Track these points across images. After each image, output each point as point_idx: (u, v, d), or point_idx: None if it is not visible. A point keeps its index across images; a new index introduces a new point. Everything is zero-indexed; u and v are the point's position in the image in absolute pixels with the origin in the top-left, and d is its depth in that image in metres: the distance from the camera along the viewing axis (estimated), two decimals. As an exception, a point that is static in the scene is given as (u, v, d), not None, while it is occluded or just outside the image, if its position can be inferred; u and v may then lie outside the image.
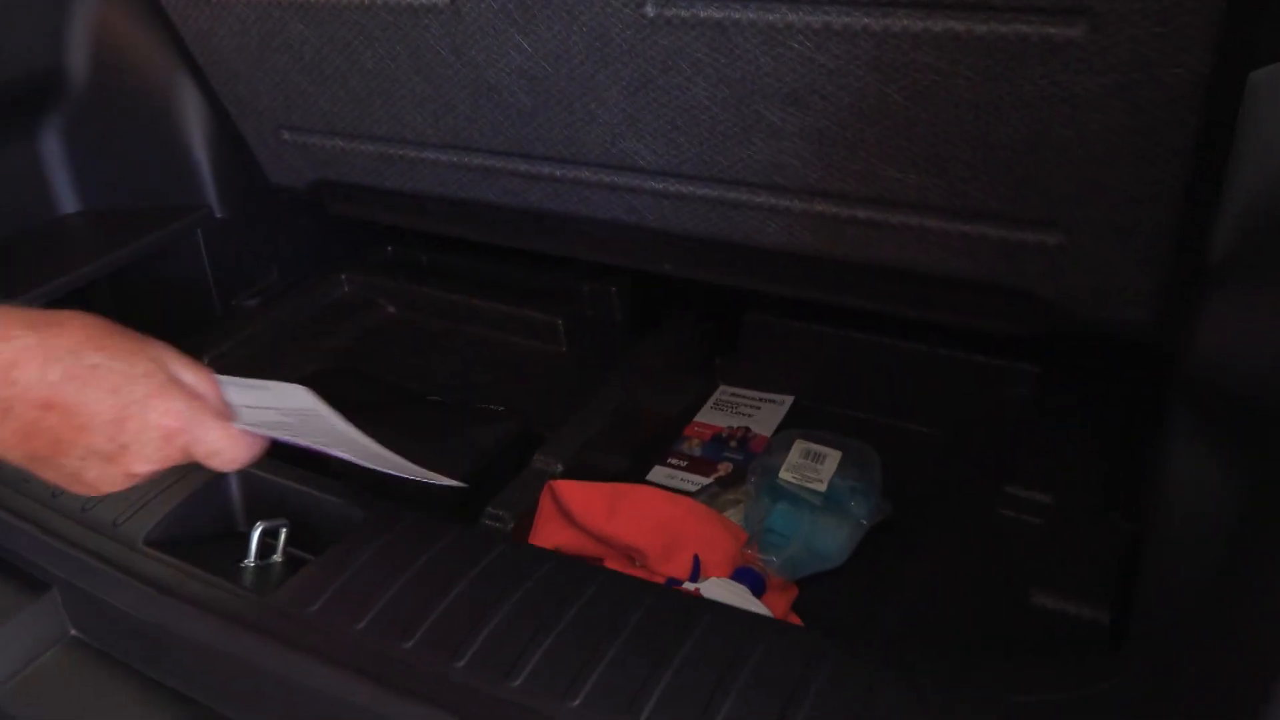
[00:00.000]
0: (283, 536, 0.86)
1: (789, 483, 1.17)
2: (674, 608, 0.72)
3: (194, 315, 1.57)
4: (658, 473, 1.33)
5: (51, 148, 1.50)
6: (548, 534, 1.12)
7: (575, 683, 0.66)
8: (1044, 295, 1.02)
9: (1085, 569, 0.94)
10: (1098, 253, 0.95)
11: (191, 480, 0.89)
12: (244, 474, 0.92)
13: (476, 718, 0.64)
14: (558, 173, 1.25)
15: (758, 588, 1.04)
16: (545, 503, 1.14)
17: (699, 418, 1.44)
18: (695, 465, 1.34)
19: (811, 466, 1.18)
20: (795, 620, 1.04)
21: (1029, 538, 1.03)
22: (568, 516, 1.11)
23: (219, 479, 0.90)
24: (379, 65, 1.22)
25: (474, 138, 1.27)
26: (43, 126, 1.49)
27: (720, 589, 1.02)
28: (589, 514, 1.10)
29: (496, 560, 0.78)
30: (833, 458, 1.19)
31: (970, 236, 1.01)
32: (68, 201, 1.54)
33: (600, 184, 1.22)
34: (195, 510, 0.88)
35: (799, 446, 1.21)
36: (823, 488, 1.16)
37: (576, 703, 0.64)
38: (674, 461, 1.35)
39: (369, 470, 1.15)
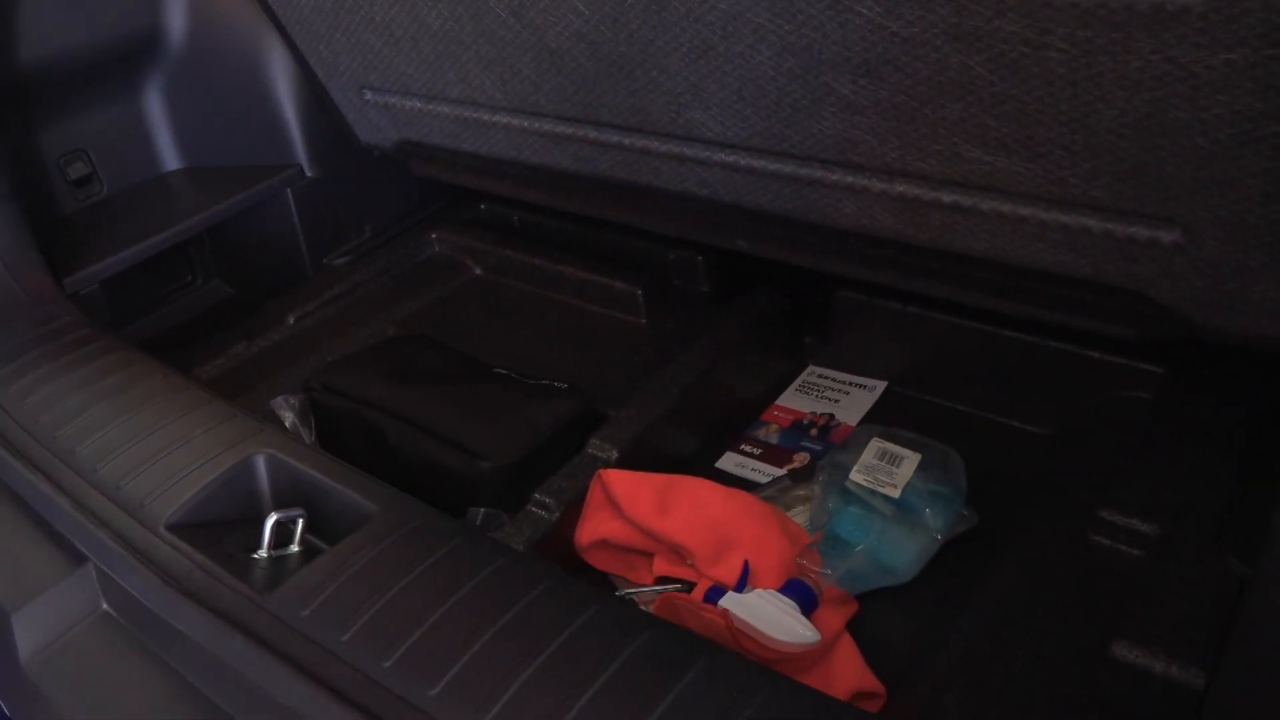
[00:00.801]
0: (299, 526, 0.85)
1: (859, 485, 1.07)
2: (667, 647, 0.66)
3: (286, 272, 1.59)
4: (728, 460, 1.26)
5: (154, 107, 1.54)
6: (595, 524, 1.08)
7: (546, 728, 0.61)
8: (1158, 299, 0.88)
9: (1182, 619, 0.82)
10: (1222, 254, 0.80)
11: (219, 463, 0.89)
12: (271, 459, 0.91)
13: (439, 758, 0.60)
14: (625, 141, 1.17)
15: (808, 603, 0.96)
16: (595, 492, 1.09)
17: (780, 400, 1.36)
18: (769, 454, 1.26)
19: (886, 469, 1.08)
20: (848, 640, 0.96)
21: (1124, 572, 0.90)
22: (617, 508, 1.06)
23: (246, 463, 0.89)
24: (444, 27, 1.17)
25: (541, 103, 1.20)
26: (145, 86, 1.52)
27: (765, 602, 0.95)
28: (637, 507, 1.05)
29: (495, 574, 0.73)
30: (910, 461, 1.08)
31: (1071, 229, 0.88)
32: (170, 159, 1.58)
33: (669, 155, 1.14)
34: (223, 493, 0.88)
35: (874, 446, 1.11)
36: (896, 494, 1.06)
37: (543, 751, 0.60)
38: (746, 448, 1.28)
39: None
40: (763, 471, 1.23)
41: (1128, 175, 0.80)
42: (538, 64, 1.14)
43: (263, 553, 0.83)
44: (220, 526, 0.86)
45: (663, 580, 1.06)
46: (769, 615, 0.93)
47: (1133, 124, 0.76)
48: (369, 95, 1.44)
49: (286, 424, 1.29)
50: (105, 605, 0.87)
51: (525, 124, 1.27)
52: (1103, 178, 0.82)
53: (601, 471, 1.08)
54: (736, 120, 1.03)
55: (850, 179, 1.00)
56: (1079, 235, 0.88)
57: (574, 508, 1.08)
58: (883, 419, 1.29)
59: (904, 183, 0.97)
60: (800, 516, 1.13)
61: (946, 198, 0.94)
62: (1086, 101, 0.77)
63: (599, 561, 1.09)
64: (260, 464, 0.90)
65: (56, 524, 0.87)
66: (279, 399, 1.31)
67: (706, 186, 1.15)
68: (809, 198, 1.06)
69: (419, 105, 1.39)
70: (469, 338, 1.45)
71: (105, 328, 1.23)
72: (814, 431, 1.29)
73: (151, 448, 0.92)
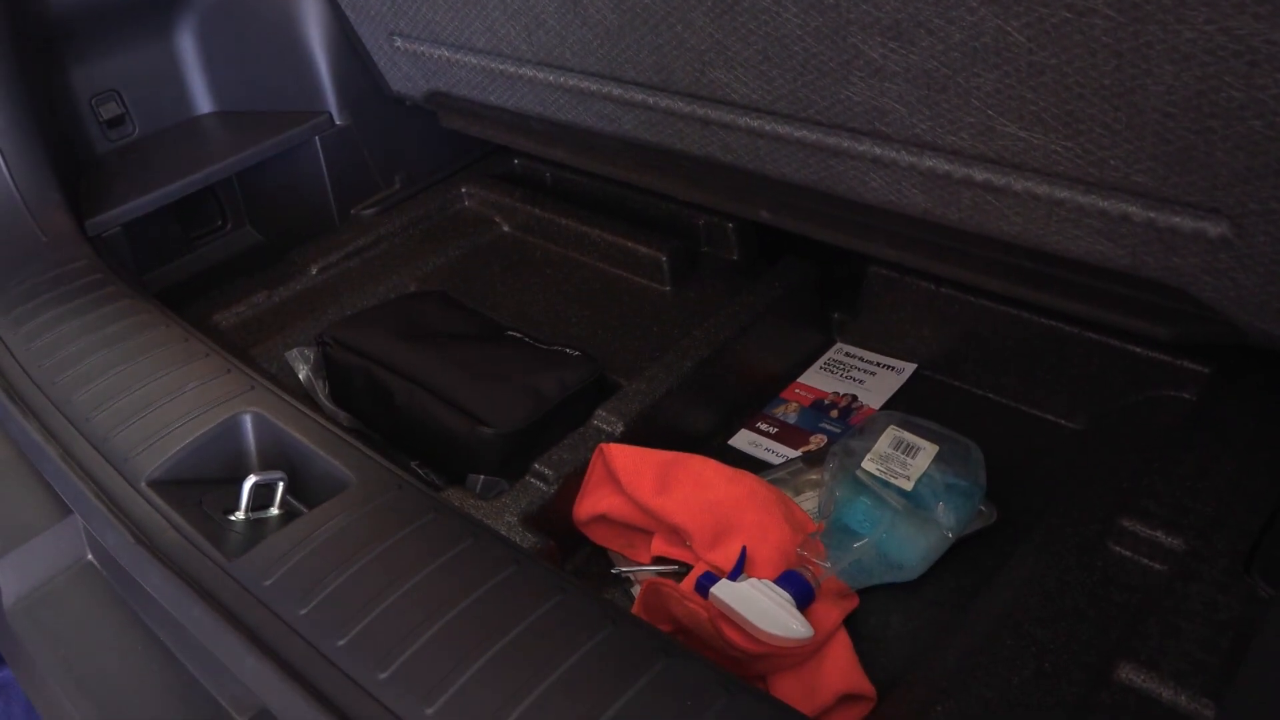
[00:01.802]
0: (280, 489, 0.83)
1: (870, 475, 1.02)
2: (627, 647, 0.63)
3: (315, 221, 1.58)
4: (741, 438, 1.22)
5: (187, 48, 1.52)
6: (595, 499, 1.05)
7: (490, 723, 0.58)
8: (1201, 297, 0.80)
9: (1197, 644, 0.76)
10: (1274, 251, 0.72)
11: (206, 420, 0.87)
12: (258, 418, 0.89)
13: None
14: (650, 100, 1.12)
15: (804, 597, 0.92)
16: (596, 466, 1.06)
17: (803, 378, 1.30)
18: (785, 434, 1.22)
19: (900, 460, 1.03)
20: (843, 638, 0.92)
21: (1142, 587, 0.84)
22: (617, 483, 1.03)
23: (232, 421, 0.88)
24: (466, -27, 1.12)
25: (566, 57, 1.16)
26: (178, 26, 1.50)
27: (758, 593, 0.91)
28: (637, 485, 1.02)
29: (461, 555, 0.71)
30: (927, 453, 1.03)
31: (1110, 215, 0.81)
32: (203, 102, 1.56)
33: (693, 116, 1.08)
34: (208, 451, 0.87)
35: (891, 434, 1.05)
36: (909, 486, 1.01)
37: (485, 748, 0.57)
38: (763, 426, 1.23)
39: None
40: (776, 452, 1.19)
41: (1173, 159, 0.73)
42: (562, 14, 1.09)
43: (240, 514, 0.81)
44: (203, 485, 0.84)
45: (660, 560, 1.03)
46: (761, 606, 0.89)
47: (1181, 102, 0.69)
48: (399, 42, 1.41)
49: (301, 376, 1.28)
50: (90, 556, 0.87)
51: (551, 78, 1.22)
52: (1146, 161, 0.75)
53: (603, 446, 1.05)
54: (761, 82, 0.97)
55: (878, 150, 0.94)
56: (1118, 223, 0.81)
57: (573, 480, 1.05)
58: (908, 404, 1.23)
59: (934, 157, 0.90)
60: (810, 502, 1.09)
61: (978, 175, 0.88)
62: (1132, 75, 0.70)
63: (597, 536, 1.07)
64: (247, 423, 0.88)
65: (45, 473, 0.87)
66: (294, 351, 1.30)
67: (730, 152, 1.09)
68: (835, 169, 1.00)
69: (447, 54, 1.35)
70: (490, 296, 1.43)
71: (123, 272, 1.23)
72: (834, 413, 1.24)
73: (143, 400, 0.91)
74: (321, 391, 1.27)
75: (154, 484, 0.82)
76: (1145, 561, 0.86)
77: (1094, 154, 0.77)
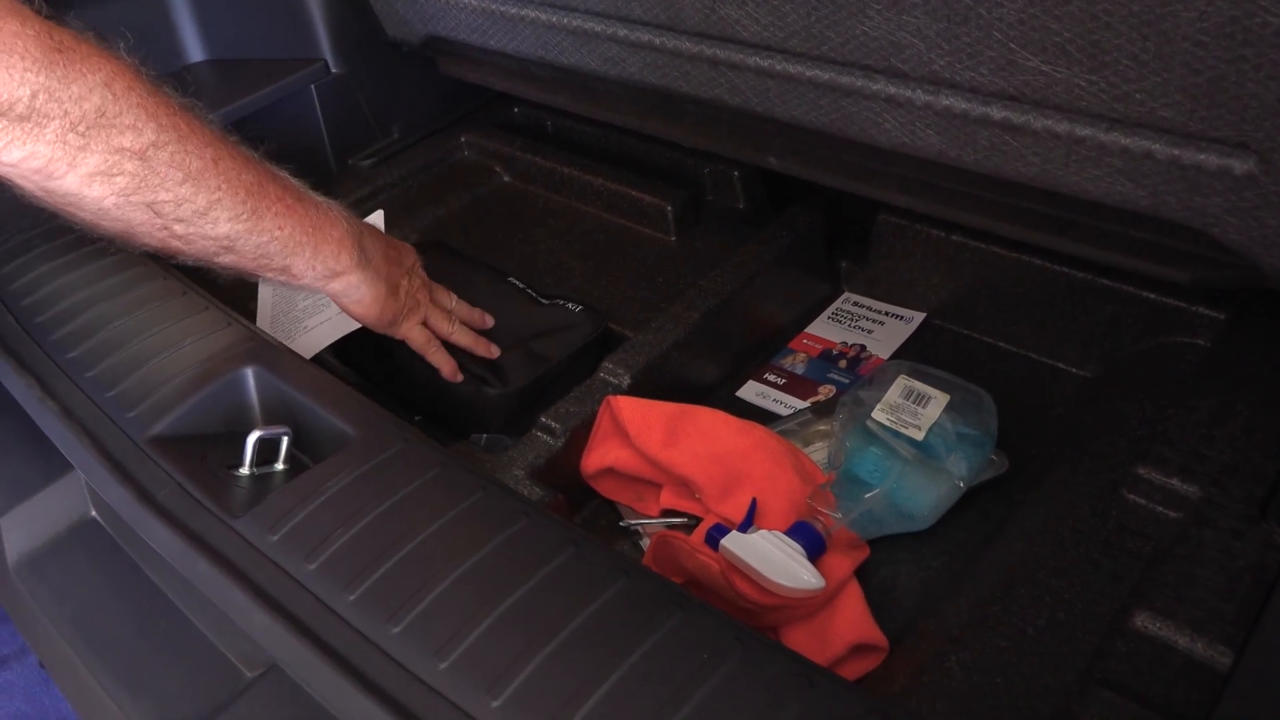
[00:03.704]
0: (284, 444, 0.82)
1: (881, 425, 1.01)
2: (641, 600, 0.62)
3: (311, 172, 1.53)
4: (749, 389, 1.21)
5: (177, -7, 1.48)
6: (603, 452, 1.04)
7: (502, 679, 0.57)
8: (1222, 238, 0.78)
9: (1214, 592, 0.75)
10: (1303, 191, 0.70)
11: (208, 375, 0.85)
12: (261, 373, 0.87)
13: (391, 701, 0.58)
14: (656, 41, 1.08)
15: (815, 548, 0.91)
16: (603, 419, 1.04)
17: (811, 329, 1.29)
18: (793, 385, 1.20)
19: (911, 409, 1.01)
20: (854, 588, 0.92)
21: (1157, 535, 0.83)
22: (625, 436, 1.02)
23: (236, 376, 0.86)
24: (463, -90, 1.08)
25: (568, -4, 1.12)
26: (168, -30, 1.46)
27: (769, 544, 0.90)
28: (646, 437, 1.00)
29: (470, 509, 0.69)
30: (938, 402, 1.01)
31: (1132, 153, 0.78)
32: (194, 50, 1.52)
33: (701, 57, 1.05)
34: (211, 406, 0.85)
35: (901, 384, 1.04)
36: (920, 436, 0.99)
37: (497, 704, 0.56)
38: (770, 378, 1.22)
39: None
40: (785, 403, 1.18)
41: (1202, 91, 0.70)
42: (562, -47, 1.05)
43: (244, 470, 0.80)
44: (207, 440, 0.83)
45: (669, 513, 1.02)
46: (772, 558, 0.88)
47: (1214, 29, 0.66)
48: (394, -15, 1.37)
49: (303, 332, 1.26)
50: (94, 513, 0.86)
51: (554, 19, 1.19)
52: (1173, 93, 0.72)
53: (610, 398, 1.03)
54: (774, 17, 0.94)
55: (893, 89, 0.91)
56: (1141, 161, 0.78)
57: (581, 433, 1.04)
58: (918, 353, 1.22)
59: (951, 95, 0.87)
60: (819, 453, 1.08)
61: (996, 113, 0.85)
62: (1162, 1, 0.67)
63: (606, 489, 1.06)
64: (249, 377, 0.87)
65: (45, 430, 0.86)
66: (296, 307, 1.28)
67: (738, 95, 1.06)
68: (847, 110, 0.97)
69: (445, -4, 1.32)
70: (492, 247, 1.40)
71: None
72: (843, 363, 1.22)
73: (143, 355, 0.89)
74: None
75: (156, 440, 0.80)
76: (1160, 509, 0.85)
77: (1119, 88, 0.75)
